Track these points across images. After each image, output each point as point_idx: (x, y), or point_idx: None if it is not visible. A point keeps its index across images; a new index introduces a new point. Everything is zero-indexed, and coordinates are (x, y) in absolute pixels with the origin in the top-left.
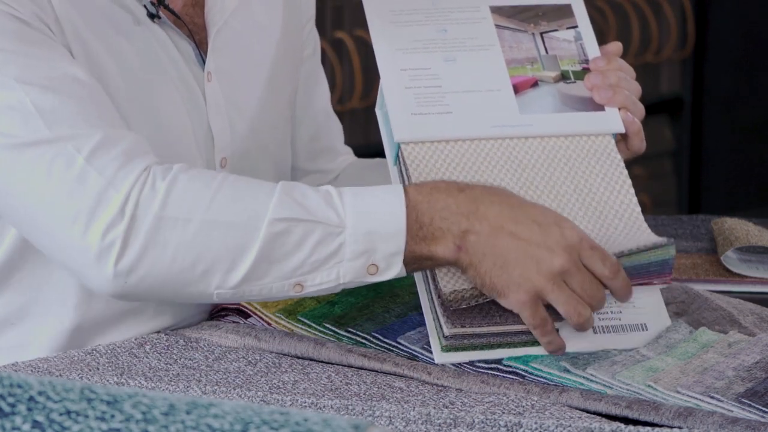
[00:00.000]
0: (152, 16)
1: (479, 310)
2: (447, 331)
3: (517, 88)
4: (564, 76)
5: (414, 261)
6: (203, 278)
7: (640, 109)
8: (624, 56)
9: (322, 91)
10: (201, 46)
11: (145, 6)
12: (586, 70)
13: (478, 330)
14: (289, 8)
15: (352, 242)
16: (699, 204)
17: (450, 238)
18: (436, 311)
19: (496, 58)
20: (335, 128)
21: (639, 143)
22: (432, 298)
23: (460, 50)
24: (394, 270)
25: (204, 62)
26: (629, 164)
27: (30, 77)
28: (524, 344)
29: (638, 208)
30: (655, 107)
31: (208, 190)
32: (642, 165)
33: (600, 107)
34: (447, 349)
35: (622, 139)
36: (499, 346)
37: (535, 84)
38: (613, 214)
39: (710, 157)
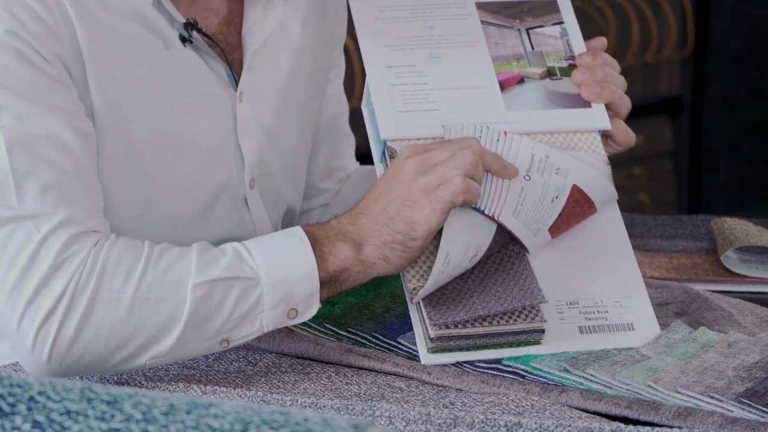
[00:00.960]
0: (184, 40)
1: (462, 305)
2: (432, 333)
3: (503, 85)
4: (550, 73)
5: (330, 281)
6: (137, 352)
7: (627, 102)
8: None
9: (344, 111)
10: (233, 64)
11: (177, 29)
12: (572, 67)
13: (463, 332)
14: (323, 28)
15: (269, 291)
16: (699, 204)
17: (348, 241)
18: (421, 313)
19: (481, 55)
20: (350, 148)
21: (626, 138)
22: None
23: (446, 47)
24: (312, 309)
25: (236, 82)
26: (629, 163)
27: (17, 130)
28: (510, 345)
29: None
30: (655, 107)
31: (137, 268)
32: (642, 165)
33: (586, 104)
34: (433, 350)
35: (608, 135)
36: (486, 347)
37: (521, 81)
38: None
39: (710, 157)
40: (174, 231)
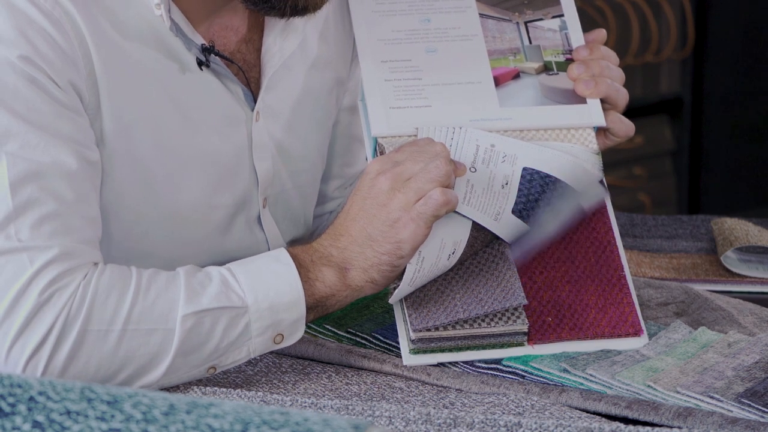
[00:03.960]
0: (200, 64)
1: (443, 309)
2: (413, 335)
3: (498, 80)
4: (547, 68)
5: (317, 306)
6: (126, 383)
7: (624, 95)
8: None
9: (358, 119)
10: (251, 82)
11: (194, 53)
12: (569, 61)
13: (444, 334)
14: (343, 40)
15: (256, 319)
16: (699, 204)
17: (333, 266)
18: (404, 315)
19: (478, 49)
20: (362, 155)
21: (624, 129)
22: (401, 301)
23: (443, 41)
24: (298, 334)
25: (254, 99)
26: (629, 163)
27: (22, 157)
28: (492, 346)
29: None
30: (655, 107)
31: (127, 299)
32: (642, 165)
33: (582, 99)
34: (415, 351)
35: (606, 128)
36: (468, 348)
37: (516, 76)
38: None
39: (710, 157)
40: (190, 253)
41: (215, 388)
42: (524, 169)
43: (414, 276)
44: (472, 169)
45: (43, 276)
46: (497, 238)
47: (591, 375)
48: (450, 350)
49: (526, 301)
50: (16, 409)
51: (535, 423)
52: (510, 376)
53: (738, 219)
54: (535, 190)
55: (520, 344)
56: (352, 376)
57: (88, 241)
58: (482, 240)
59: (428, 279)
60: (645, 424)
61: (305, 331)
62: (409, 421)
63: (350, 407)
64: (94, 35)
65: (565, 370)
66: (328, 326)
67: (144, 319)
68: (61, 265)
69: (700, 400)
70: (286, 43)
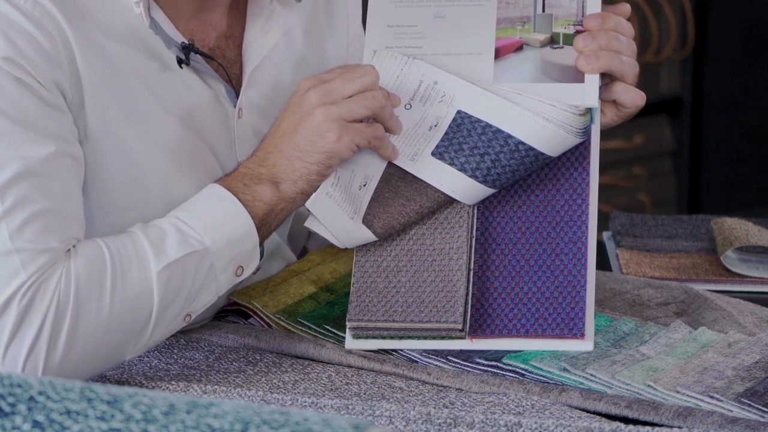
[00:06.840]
0: (180, 62)
1: (383, 305)
2: (349, 324)
3: (499, 52)
4: (553, 40)
5: (261, 227)
6: (125, 353)
7: (631, 67)
8: None
9: None
10: (233, 79)
11: (174, 52)
12: (578, 33)
13: (379, 325)
14: (332, 32)
15: (218, 258)
16: (699, 204)
17: (265, 182)
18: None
19: (487, 16)
20: None
21: (631, 98)
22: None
23: (454, 5)
24: (255, 261)
25: (236, 96)
26: (629, 163)
27: (8, 156)
28: (433, 337)
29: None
30: (655, 107)
31: (107, 272)
32: (642, 165)
33: (579, 77)
34: (356, 336)
35: (613, 100)
36: (409, 337)
37: (519, 48)
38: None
39: (710, 157)
40: None
41: (215, 387)
42: (458, 111)
43: (330, 190)
44: (408, 106)
45: (31, 276)
46: (455, 208)
47: (591, 374)
48: (392, 338)
49: (459, 326)
50: (16, 409)
51: (535, 423)
52: (510, 374)
53: (738, 219)
54: (461, 134)
55: (462, 338)
56: (352, 376)
57: (73, 235)
58: (433, 199)
59: (343, 204)
60: (645, 423)
61: (305, 332)
62: (409, 420)
63: (350, 407)
64: (77, 34)
65: (565, 369)
66: (327, 327)
67: (127, 286)
68: (48, 262)
69: (700, 399)
70: (267, 39)
